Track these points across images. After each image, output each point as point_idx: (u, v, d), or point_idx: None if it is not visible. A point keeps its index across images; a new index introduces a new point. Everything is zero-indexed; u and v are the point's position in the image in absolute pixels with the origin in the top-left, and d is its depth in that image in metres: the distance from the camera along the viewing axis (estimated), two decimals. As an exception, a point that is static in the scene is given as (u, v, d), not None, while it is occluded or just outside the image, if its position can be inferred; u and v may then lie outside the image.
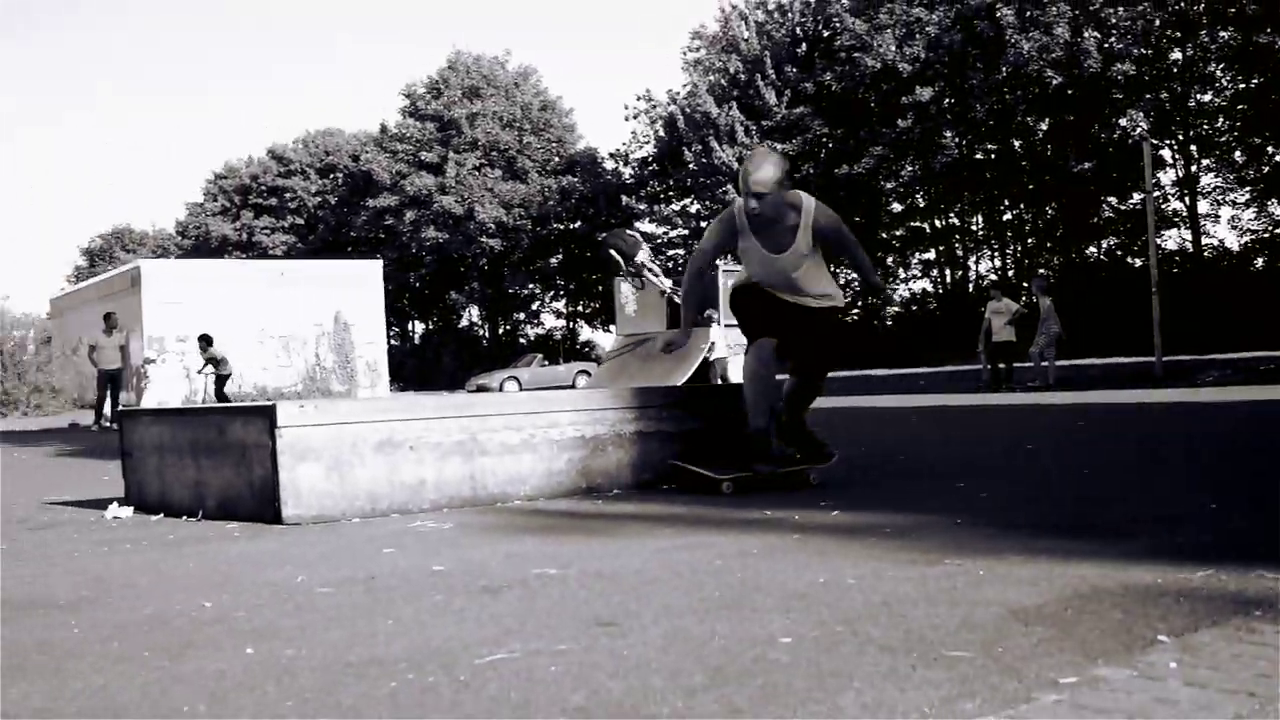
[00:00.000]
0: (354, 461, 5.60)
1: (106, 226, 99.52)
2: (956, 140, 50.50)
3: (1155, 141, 40.93)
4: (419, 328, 75.23)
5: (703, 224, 59.84)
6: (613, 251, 25.07)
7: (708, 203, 57.31)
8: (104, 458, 12.30)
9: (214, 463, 5.86)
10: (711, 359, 25.13)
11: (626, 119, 63.61)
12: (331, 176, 73.02)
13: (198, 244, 77.53)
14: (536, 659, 2.64)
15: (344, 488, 5.57)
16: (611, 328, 35.02)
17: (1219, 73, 46.92)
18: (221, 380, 25.19)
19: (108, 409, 22.76)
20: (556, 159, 65.11)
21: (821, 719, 2.13)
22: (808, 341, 6.41)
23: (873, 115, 52.00)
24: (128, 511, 6.23)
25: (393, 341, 57.74)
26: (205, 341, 25.24)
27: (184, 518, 5.93)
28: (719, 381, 23.81)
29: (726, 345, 25.89)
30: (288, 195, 74.18)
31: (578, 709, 2.23)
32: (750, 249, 6.30)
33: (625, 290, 29.17)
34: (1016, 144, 51.38)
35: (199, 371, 25.51)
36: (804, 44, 56.03)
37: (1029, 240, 54.10)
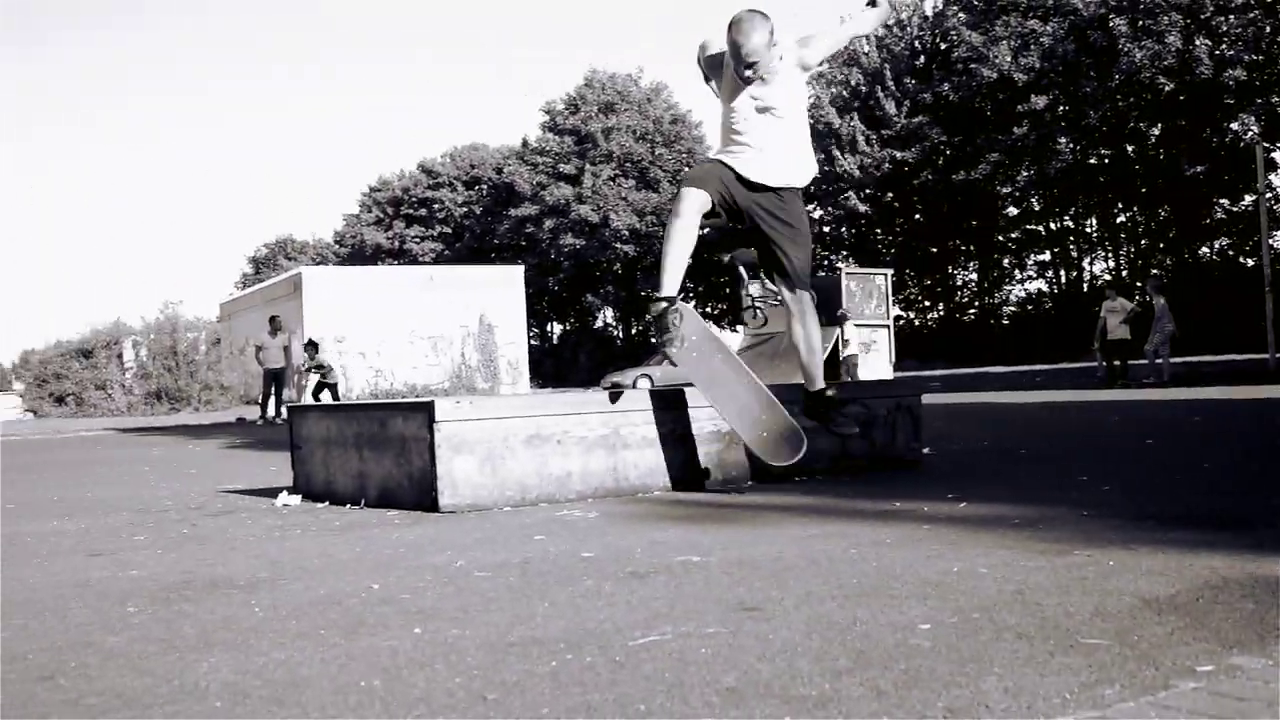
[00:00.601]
0: (505, 454, 5.64)
1: (270, 237, 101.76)
2: (1071, 146, 49.43)
3: (1267, 145, 39.66)
4: (557, 328, 75.77)
5: (826, 229, 59.46)
6: (741, 268, 25.05)
7: (830, 209, 56.87)
8: (270, 450, 12.58)
9: (376, 455, 5.95)
10: (842, 356, 25.00)
11: (752, 130, 63.21)
12: (476, 188, 73.91)
13: (353, 252, 78.97)
14: (687, 641, 2.63)
15: (496, 478, 5.62)
16: (739, 328, 34.90)
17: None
18: (324, 387, 24.06)
19: (272, 405, 23.30)
20: (686, 168, 65.15)
21: (965, 703, 2.09)
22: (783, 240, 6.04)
23: (989, 123, 51.15)
24: (296, 500, 6.36)
25: (532, 341, 58.12)
26: (312, 348, 24.81)
27: (348, 506, 6.03)
28: (848, 378, 23.62)
29: (859, 343, 25.72)
30: (436, 206, 75.24)
31: (729, 690, 2.22)
32: (750, 95, 5.86)
33: (753, 292, 29.08)
34: (1130, 148, 50.14)
35: (304, 370, 24.55)
36: (922, 56, 55.34)
37: (1142, 241, 52.80)
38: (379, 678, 2.41)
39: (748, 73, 5.68)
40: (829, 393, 6.13)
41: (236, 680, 2.44)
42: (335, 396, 24.17)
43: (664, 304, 5.93)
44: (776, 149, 5.90)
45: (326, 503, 6.23)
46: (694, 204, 5.78)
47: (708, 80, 6.18)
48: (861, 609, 2.91)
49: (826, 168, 54.75)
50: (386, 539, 4.69)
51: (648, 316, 5.93)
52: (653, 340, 5.90)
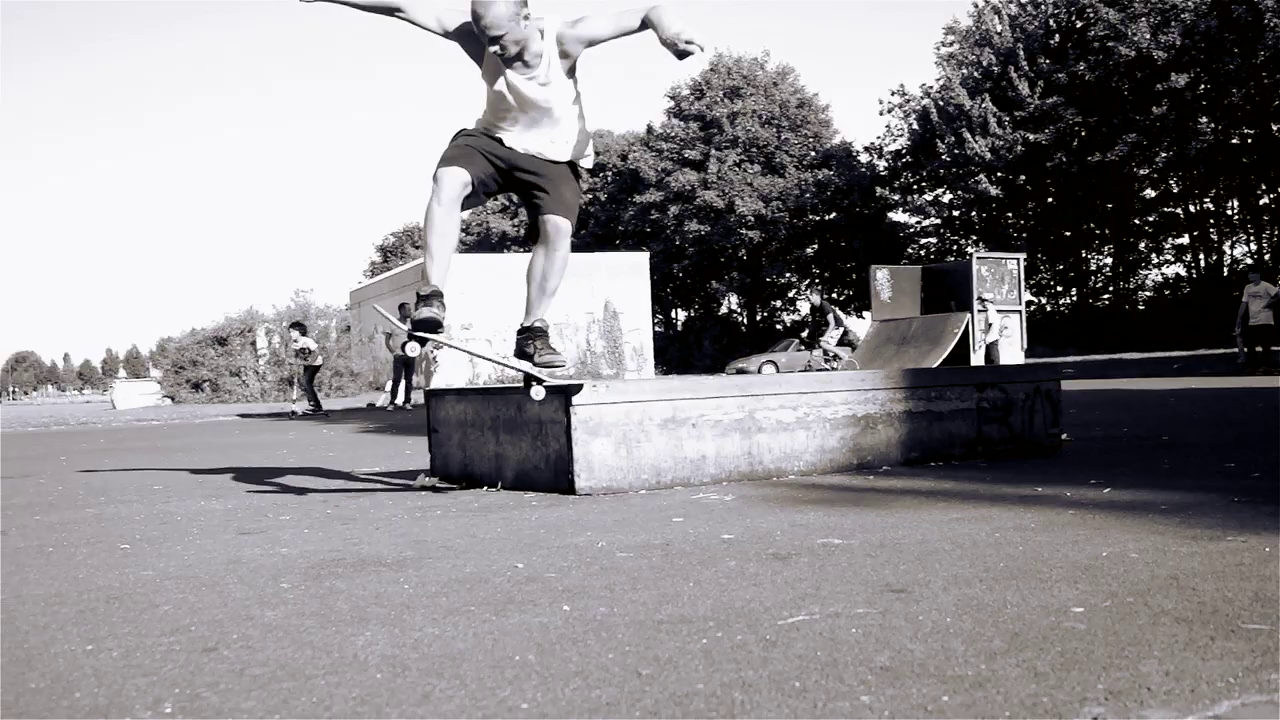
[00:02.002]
0: (641, 437, 5.69)
1: (398, 225, 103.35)
2: (1212, 126, 48.00)
3: None
4: (681, 315, 75.81)
5: (956, 213, 58.59)
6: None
7: (960, 193, 56.03)
8: (402, 434, 12.83)
9: (512, 438, 6.03)
10: (985, 342, 24.69)
11: (880, 113, 62.35)
12: (601, 175, 74.23)
13: (480, 240, 79.88)
14: (836, 621, 2.63)
15: (631, 461, 5.67)
16: (866, 314, 34.61)
17: None
18: (311, 371, 23.87)
19: (401, 391, 23.69)
20: (813, 153, 64.63)
21: (1126, 685, 2.06)
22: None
23: (1126, 103, 49.91)
24: (434, 482, 6.47)
25: (657, 328, 58.33)
26: (299, 329, 24.58)
27: (484, 488, 6.12)
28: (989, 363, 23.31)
29: (1000, 328, 25.34)
30: (561, 193, 75.75)
31: (884, 669, 2.22)
32: (507, 81, 5.49)
33: (881, 278, 28.83)
34: (1275, 127, 48.51)
35: (294, 357, 23.98)
36: (1057, 35, 54.13)
37: (1287, 224, 51.15)
38: (533, 653, 2.46)
39: (494, 48, 5.25)
40: (537, 324, 5.79)
41: (394, 653, 2.51)
42: (310, 383, 23.73)
43: (430, 297, 5.62)
44: (543, 130, 5.59)
45: (463, 485, 6.34)
46: (452, 186, 5.42)
47: (468, 52, 5.64)
48: (1011, 592, 2.88)
49: (956, 150, 53.97)
50: (526, 520, 4.75)
51: (413, 311, 5.62)
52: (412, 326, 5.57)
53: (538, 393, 5.45)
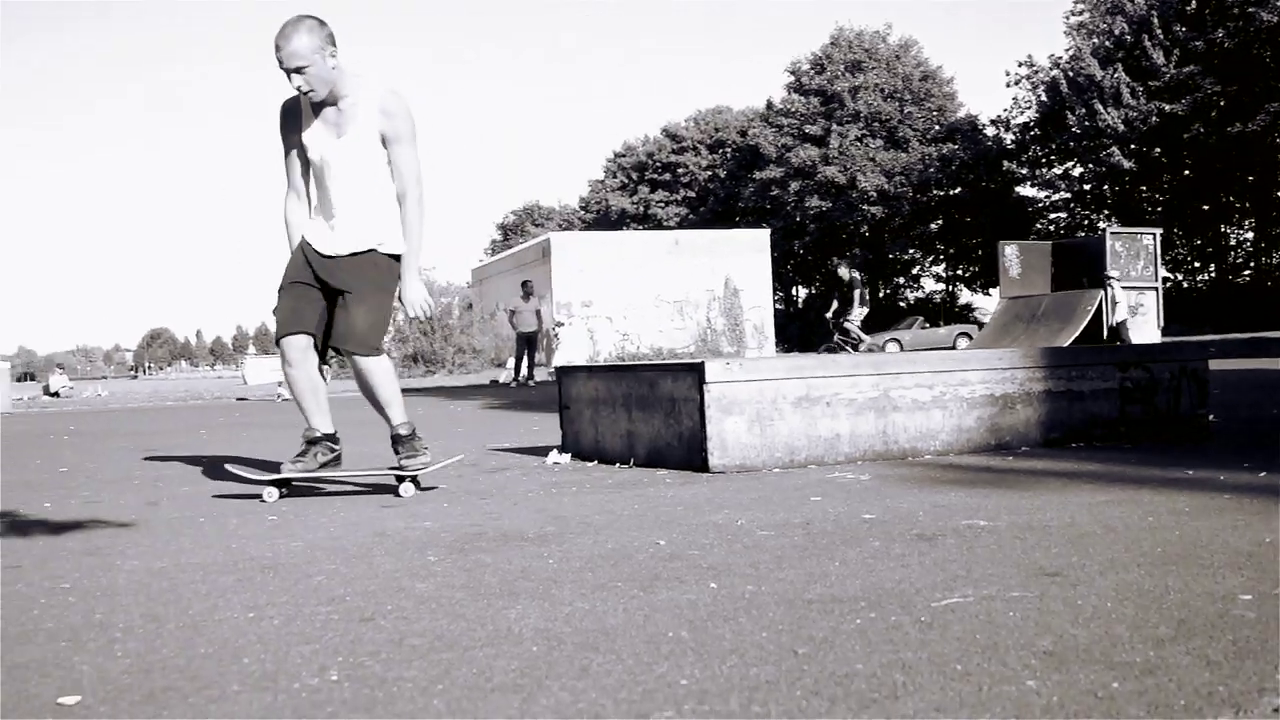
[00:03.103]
0: (774, 416, 5.68)
1: (519, 204, 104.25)
2: (1360, 94, 46.38)
3: None
4: (802, 292, 75.44)
5: (1086, 187, 57.36)
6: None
7: (1091, 166, 54.85)
8: (528, 410, 12.95)
9: (645, 415, 6.06)
10: (1114, 321, 24.14)
11: (1008, 85, 61.55)
12: (721, 151, 74.09)
13: (599, 217, 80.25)
14: (992, 604, 2.60)
15: (765, 440, 5.66)
16: (992, 291, 34.15)
17: None
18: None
19: (524, 368, 23.91)
20: (937, 127, 63.75)
21: (1303, 675, 2.02)
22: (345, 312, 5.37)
23: (1268, 71, 48.37)
24: (566, 458, 6.53)
25: (777, 305, 58.07)
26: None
27: (616, 465, 6.16)
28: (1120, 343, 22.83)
29: (1128, 307, 24.79)
30: (680, 170, 75.76)
31: (1047, 653, 2.19)
32: (313, 135, 5.29)
33: (1010, 254, 28.35)
34: None
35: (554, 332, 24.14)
36: (1194, 1, 52.63)
37: None
38: (686, 629, 2.47)
39: (297, 84, 5.05)
40: (398, 430, 5.52)
41: (548, 627, 2.54)
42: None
43: (320, 439, 5.51)
44: (347, 214, 5.33)
45: (595, 461, 6.39)
46: (297, 351, 5.36)
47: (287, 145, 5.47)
48: (1172, 577, 2.83)
49: (1087, 122, 52.82)
50: (662, 497, 4.78)
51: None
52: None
53: (406, 490, 5.34)
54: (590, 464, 6.34)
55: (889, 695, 1.97)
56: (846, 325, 24.35)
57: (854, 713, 1.89)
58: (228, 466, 5.54)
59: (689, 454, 5.70)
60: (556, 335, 34.20)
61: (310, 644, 2.47)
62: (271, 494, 5.26)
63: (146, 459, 8.02)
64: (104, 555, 3.81)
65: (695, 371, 5.62)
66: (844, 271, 24.98)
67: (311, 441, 5.44)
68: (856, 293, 24.64)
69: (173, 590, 3.14)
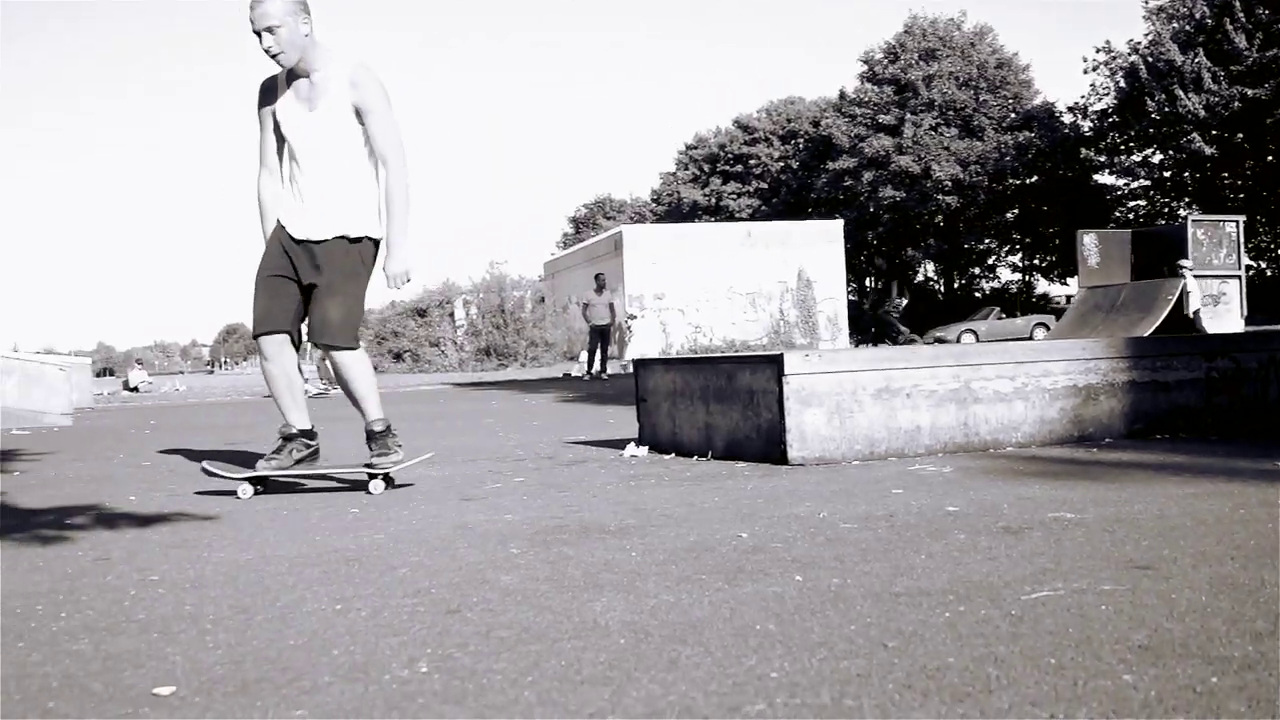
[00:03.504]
0: (854, 407, 5.64)
1: (590, 196, 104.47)
2: None
3: None
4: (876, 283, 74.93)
5: (1166, 174, 56.45)
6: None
7: (1171, 153, 53.96)
8: (602, 403, 12.97)
9: (723, 407, 6.05)
10: (1190, 310, 23.71)
11: (1085, 71, 60.26)
12: (793, 142, 73.68)
13: (670, 210, 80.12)
14: (1083, 597, 2.57)
15: (844, 432, 5.63)
16: (1069, 280, 33.72)
17: None
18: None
19: (597, 360, 23.96)
20: (1013, 115, 62.97)
21: None
22: (316, 305, 5.34)
23: (1356, 54, 47.32)
24: (643, 451, 6.54)
25: (851, 297, 57.62)
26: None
27: (694, 457, 6.16)
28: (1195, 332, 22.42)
29: (1202, 296, 24.37)
30: (752, 162, 75.47)
31: (1142, 647, 2.16)
32: (285, 109, 5.31)
33: (1088, 243, 27.97)
34: None
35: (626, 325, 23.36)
36: (1277, -16, 51.57)
37: None
38: (773, 622, 2.46)
39: (267, 46, 5.05)
40: (373, 426, 5.51)
41: (634, 619, 2.54)
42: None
43: (296, 435, 5.48)
44: (318, 195, 5.31)
45: (672, 454, 6.39)
46: (272, 347, 5.36)
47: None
48: (1267, 571, 2.78)
49: (1167, 108, 51.97)
50: (742, 489, 4.77)
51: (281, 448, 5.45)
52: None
53: (376, 486, 5.34)
54: (668, 456, 6.33)
55: (982, 689, 1.95)
56: (889, 317, 24.02)
57: (947, 706, 1.87)
58: (204, 465, 5.58)
59: (768, 446, 5.68)
60: (629, 328, 34.27)
61: (398, 636, 2.49)
62: (246, 491, 5.31)
63: (227, 453, 8.12)
64: (190, 548, 3.87)
65: (774, 363, 5.60)
66: (881, 262, 24.61)
67: (287, 438, 5.45)
68: (895, 284, 24.29)
69: (259, 582, 3.18)
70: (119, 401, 24.74)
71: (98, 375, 25.54)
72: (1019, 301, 64.49)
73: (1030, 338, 42.99)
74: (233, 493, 5.38)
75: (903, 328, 24.30)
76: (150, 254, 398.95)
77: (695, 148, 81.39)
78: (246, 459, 7.35)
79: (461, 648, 2.36)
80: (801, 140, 72.63)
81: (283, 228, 5.38)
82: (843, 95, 69.24)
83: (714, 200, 76.79)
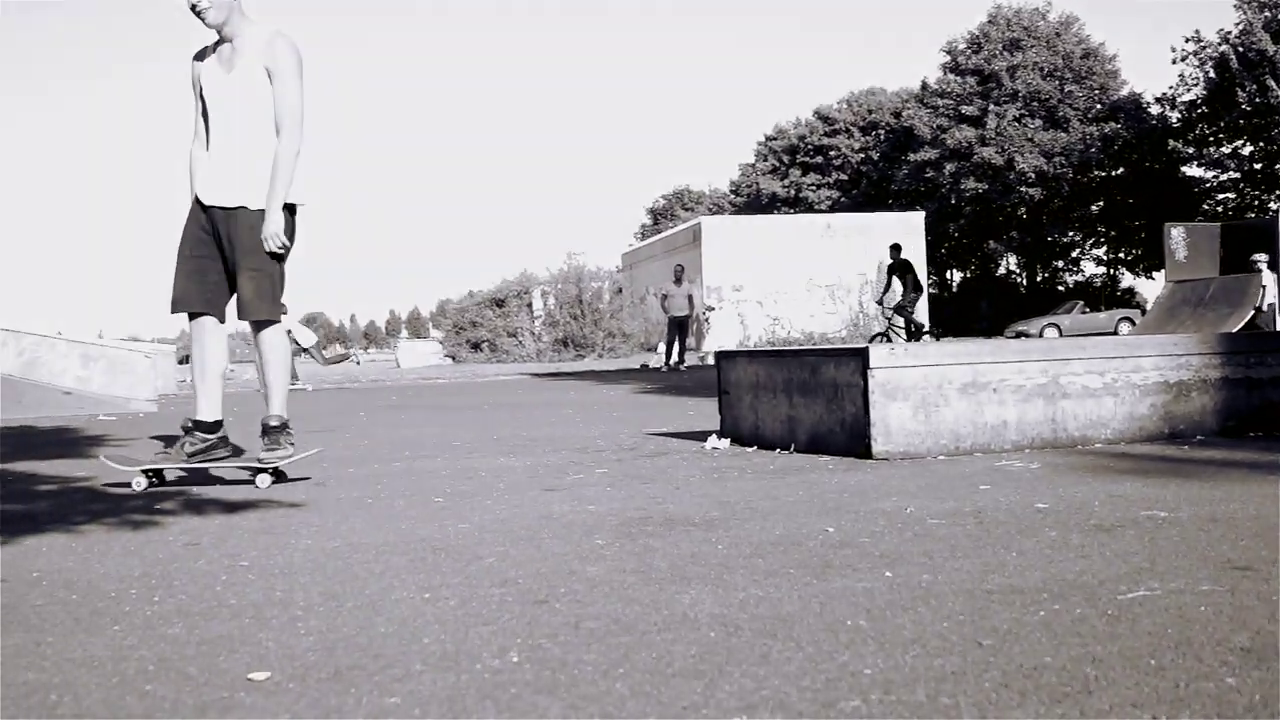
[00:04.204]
0: (940, 402, 5.59)
1: (668, 188, 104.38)
2: None
3: None
4: (957, 276, 74.19)
5: (1256, 166, 55.37)
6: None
7: (1262, 144, 52.87)
8: (681, 395, 12.96)
9: (806, 400, 6.02)
10: (1264, 304, 23.19)
11: (1173, 62, 59.12)
12: (874, 133, 73.13)
13: (749, 201, 79.83)
14: (1181, 598, 2.52)
15: (930, 426, 5.58)
16: (1155, 274, 33.20)
17: None
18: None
19: (675, 352, 23.95)
20: (1098, 106, 62.00)
21: None
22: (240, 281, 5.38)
23: None
24: (725, 443, 6.52)
25: (931, 290, 57.05)
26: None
27: (776, 450, 6.13)
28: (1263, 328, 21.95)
29: (1276, 292, 23.82)
30: (832, 153, 74.98)
31: (1244, 650, 2.11)
32: (207, 71, 5.46)
33: (1176, 236, 27.50)
34: None
35: (704, 316, 21.64)
36: (1374, -29, 50.36)
37: None
38: (864, 618, 2.45)
39: (194, 1, 5.24)
40: (272, 422, 5.47)
41: (723, 613, 2.54)
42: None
43: (192, 427, 5.51)
44: (228, 158, 5.40)
45: (754, 446, 6.37)
46: (200, 330, 5.50)
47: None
48: (1373, 573, 2.71)
49: (1258, 99, 50.92)
50: (826, 483, 4.74)
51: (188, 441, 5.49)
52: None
53: (263, 481, 5.33)
54: (750, 449, 6.32)
55: (1081, 689, 1.92)
56: (907, 313, 23.55)
57: (1046, 706, 1.84)
58: (102, 457, 5.70)
59: (851, 440, 5.64)
60: (707, 320, 34.23)
61: (487, 625, 2.50)
62: (140, 483, 5.35)
63: (310, 440, 8.21)
64: (278, 534, 3.92)
65: (859, 356, 5.56)
66: (904, 255, 24.11)
67: (186, 430, 5.50)
68: (910, 277, 23.77)
69: (348, 570, 3.21)
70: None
71: (180, 362, 25.73)
72: (1103, 296, 63.55)
73: (1115, 333, 42.36)
74: (321, 481, 5.45)
75: (920, 321, 23.79)
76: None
77: (775, 139, 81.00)
78: (340, 450, 7.43)
79: (551, 638, 2.37)
80: (882, 131, 72.05)
81: (197, 197, 5.47)
82: (925, 86, 68.57)
83: (793, 192, 76.39)
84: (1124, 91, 63.28)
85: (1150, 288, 60.73)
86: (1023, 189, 60.96)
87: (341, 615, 2.65)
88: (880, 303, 23.93)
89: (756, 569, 3.01)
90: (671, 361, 23.94)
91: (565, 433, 8.04)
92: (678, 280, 24.57)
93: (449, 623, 2.53)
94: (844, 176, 74.67)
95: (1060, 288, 66.86)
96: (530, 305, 44.09)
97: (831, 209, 67.69)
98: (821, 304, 40.66)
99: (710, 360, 26.71)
